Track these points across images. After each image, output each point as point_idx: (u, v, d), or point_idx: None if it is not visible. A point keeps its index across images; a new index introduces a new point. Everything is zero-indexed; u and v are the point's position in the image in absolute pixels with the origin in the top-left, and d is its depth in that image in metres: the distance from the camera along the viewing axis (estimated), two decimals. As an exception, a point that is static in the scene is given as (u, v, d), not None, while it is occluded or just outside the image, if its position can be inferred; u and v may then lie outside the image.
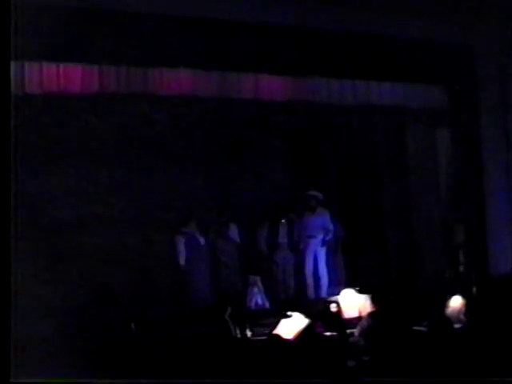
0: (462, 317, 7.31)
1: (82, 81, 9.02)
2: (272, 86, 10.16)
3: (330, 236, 10.86)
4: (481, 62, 11.06)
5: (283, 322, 7.61)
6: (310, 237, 10.79)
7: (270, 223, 10.83)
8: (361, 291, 9.24)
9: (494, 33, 10.79)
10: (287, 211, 11.01)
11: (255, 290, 10.12)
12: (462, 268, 11.31)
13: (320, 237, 10.80)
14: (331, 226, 10.87)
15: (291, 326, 7.29)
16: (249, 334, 8.37)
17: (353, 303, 9.18)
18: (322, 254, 10.81)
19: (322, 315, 8.23)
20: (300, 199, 11.01)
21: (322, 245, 10.81)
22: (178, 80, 9.61)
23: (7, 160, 5.22)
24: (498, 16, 10.31)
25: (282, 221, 10.83)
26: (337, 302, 9.04)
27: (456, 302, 7.58)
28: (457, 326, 6.50)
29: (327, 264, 10.82)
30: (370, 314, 7.78)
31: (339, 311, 8.91)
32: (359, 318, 8.34)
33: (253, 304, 10.05)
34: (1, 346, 5.01)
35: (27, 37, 7.28)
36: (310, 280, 10.74)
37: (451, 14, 10.08)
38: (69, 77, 8.94)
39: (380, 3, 9.76)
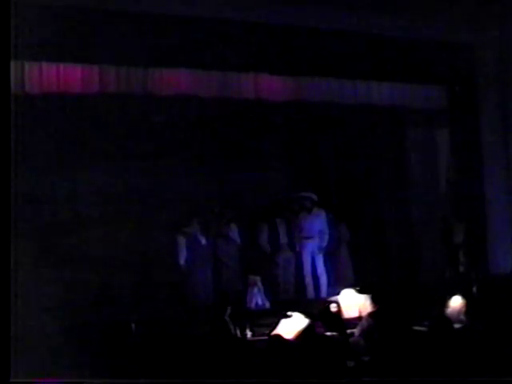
0: (462, 317, 7.31)
1: (82, 81, 9.03)
2: (272, 86, 10.17)
3: (326, 236, 10.88)
4: (481, 62, 11.07)
5: (283, 322, 7.61)
6: (307, 238, 10.81)
7: (270, 223, 10.84)
8: (361, 291, 9.24)
9: (494, 33, 10.80)
10: (287, 211, 11.03)
11: (255, 289, 10.12)
12: (461, 268, 11.31)
13: (317, 237, 10.82)
14: (328, 227, 10.88)
15: (291, 325, 7.29)
16: (249, 334, 8.38)
17: (353, 303, 9.17)
18: (319, 254, 10.82)
19: (322, 315, 8.22)
20: (295, 200, 11.02)
21: (320, 245, 10.83)
22: (178, 80, 9.62)
23: (7, 160, 5.22)
24: (498, 16, 10.31)
25: (282, 221, 10.84)
26: (337, 302, 9.04)
27: (456, 302, 7.57)
28: (457, 325, 6.50)
29: (325, 264, 10.83)
30: (370, 314, 7.77)
31: (339, 311, 8.91)
32: (359, 318, 8.34)
33: (253, 304, 10.05)
34: (1, 346, 5.01)
35: (27, 37, 7.28)
36: (308, 280, 10.76)
37: (451, 14, 10.09)
38: (69, 77, 8.95)
39: (380, 3, 9.77)
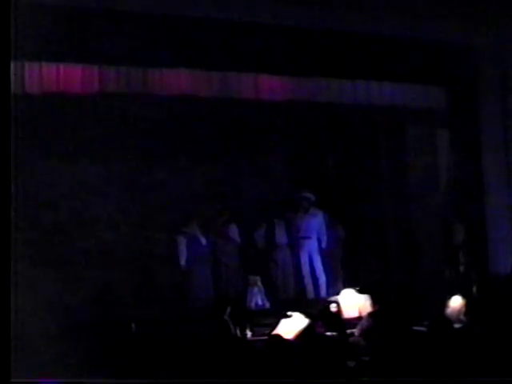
0: (462, 317, 7.32)
1: (82, 81, 9.04)
2: (272, 86, 10.17)
3: (324, 236, 10.88)
4: (481, 62, 11.07)
5: (283, 322, 7.61)
6: (304, 238, 10.81)
7: (270, 223, 10.84)
8: (361, 291, 9.25)
9: (494, 33, 10.79)
10: (287, 211, 11.03)
11: (255, 289, 10.12)
12: (461, 268, 11.31)
13: (314, 238, 10.83)
14: (325, 227, 10.88)
15: (291, 325, 7.30)
16: (249, 334, 8.38)
17: (353, 303, 9.18)
18: (317, 254, 10.83)
19: (322, 315, 8.23)
20: (293, 201, 11.03)
21: (317, 245, 10.83)
22: (178, 80, 9.63)
23: (7, 160, 5.22)
24: (498, 16, 10.30)
25: (281, 221, 10.85)
26: (337, 302, 9.05)
27: (456, 302, 7.58)
28: (457, 325, 6.50)
29: (324, 264, 10.83)
30: (370, 314, 7.79)
31: (339, 311, 8.92)
32: (359, 318, 8.35)
33: (253, 304, 10.05)
34: (1, 346, 5.01)
35: (27, 37, 7.28)
36: (307, 280, 10.76)
37: (451, 14, 10.09)
38: (69, 77, 8.96)
39: (380, 3, 9.76)
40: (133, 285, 10.38)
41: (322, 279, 10.78)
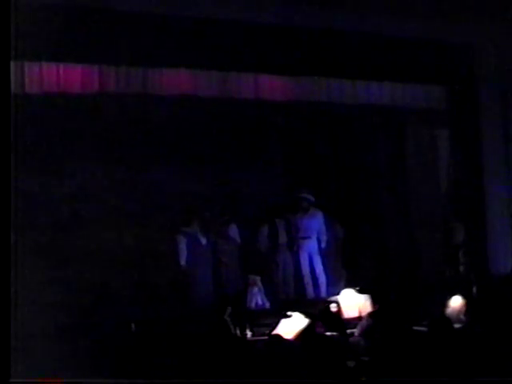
0: (462, 317, 7.32)
1: (82, 81, 9.04)
2: (272, 86, 10.18)
3: (324, 236, 10.89)
4: (481, 62, 11.07)
5: (283, 322, 7.62)
6: (304, 238, 10.81)
7: (270, 223, 10.85)
8: (361, 291, 9.25)
9: (494, 33, 10.79)
10: (287, 211, 11.04)
11: (255, 289, 10.12)
12: (461, 268, 11.31)
13: (314, 238, 10.83)
14: (325, 227, 10.89)
15: (291, 325, 7.30)
16: (249, 334, 8.38)
17: (353, 303, 9.18)
18: (317, 254, 10.84)
19: (322, 315, 8.24)
20: (292, 201, 11.04)
21: (317, 245, 10.84)
22: (178, 80, 9.63)
23: (7, 160, 5.22)
24: (498, 16, 10.30)
25: (281, 221, 10.85)
26: (337, 302, 9.05)
27: (456, 302, 7.58)
28: (457, 325, 6.50)
29: (324, 264, 10.84)
30: (370, 314, 7.79)
31: (339, 311, 8.92)
32: (359, 318, 8.35)
33: (253, 304, 10.05)
34: (1, 346, 5.01)
35: (27, 37, 7.28)
36: (307, 280, 10.76)
37: (451, 14, 10.09)
38: (69, 77, 8.96)
39: (380, 3, 9.77)
40: (132, 285, 10.38)
41: (322, 279, 10.78)
